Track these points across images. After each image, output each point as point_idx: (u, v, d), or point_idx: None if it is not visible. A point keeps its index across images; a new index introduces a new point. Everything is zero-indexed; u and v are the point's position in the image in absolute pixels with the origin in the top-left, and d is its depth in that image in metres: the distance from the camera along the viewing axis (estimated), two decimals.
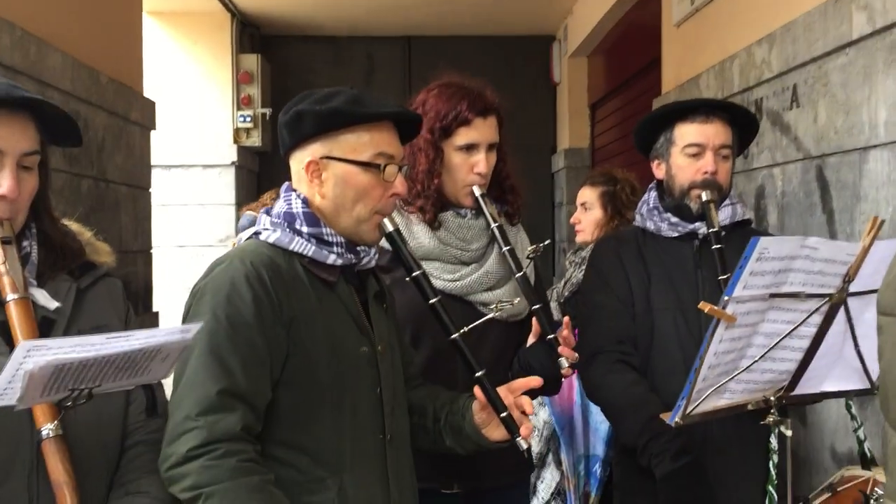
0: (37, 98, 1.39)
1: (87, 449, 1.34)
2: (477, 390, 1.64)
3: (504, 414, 1.62)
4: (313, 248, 1.57)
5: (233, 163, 6.36)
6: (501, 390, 1.65)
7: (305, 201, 1.59)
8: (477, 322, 1.74)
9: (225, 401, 1.42)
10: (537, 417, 3.11)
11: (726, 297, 1.39)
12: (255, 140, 6.46)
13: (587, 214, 3.20)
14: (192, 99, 6.25)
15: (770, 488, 1.84)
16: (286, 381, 1.52)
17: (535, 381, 1.70)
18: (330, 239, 1.59)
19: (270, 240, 1.57)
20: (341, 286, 1.61)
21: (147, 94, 4.28)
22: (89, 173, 3.54)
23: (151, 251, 4.44)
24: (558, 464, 3.09)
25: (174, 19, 6.20)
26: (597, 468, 3.02)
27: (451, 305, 1.86)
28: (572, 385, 3.06)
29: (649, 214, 2.22)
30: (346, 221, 1.60)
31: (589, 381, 2.17)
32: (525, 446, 1.63)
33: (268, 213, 1.62)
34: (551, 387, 2.09)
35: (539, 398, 3.12)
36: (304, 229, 1.57)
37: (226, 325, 1.46)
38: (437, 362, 1.95)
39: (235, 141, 6.40)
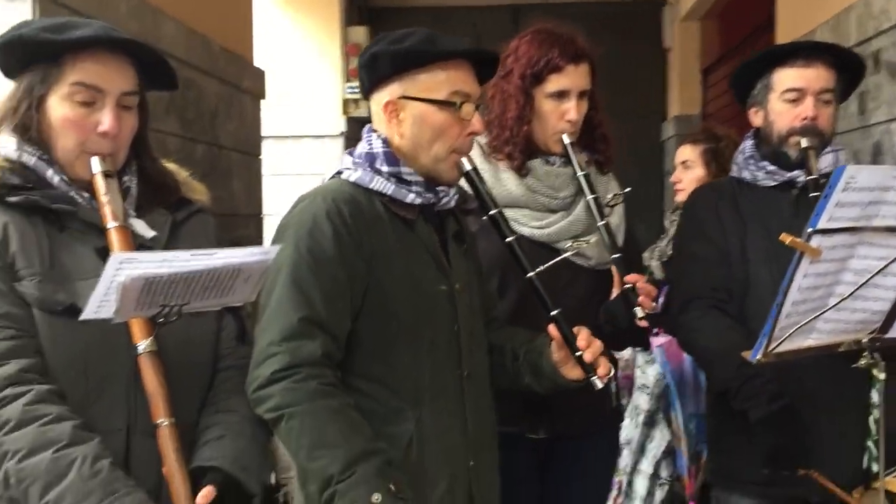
0: (134, 40, 1.48)
1: (179, 367, 1.42)
2: (552, 328, 1.65)
3: (579, 353, 1.62)
4: (393, 186, 1.61)
5: (342, 133, 6.51)
6: (580, 330, 1.65)
7: (385, 141, 1.63)
8: (552, 261, 1.74)
9: (306, 328, 1.49)
10: (646, 375, 3.08)
11: (810, 230, 1.34)
12: (363, 111, 6.57)
13: (688, 173, 3.12)
14: (303, 71, 6.42)
15: (870, 443, 1.77)
16: (366, 314, 1.57)
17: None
18: (409, 178, 1.62)
19: (352, 179, 1.62)
20: (420, 225, 1.64)
21: (258, 65, 4.44)
22: (203, 139, 3.71)
23: (262, 216, 4.61)
24: (668, 423, 3.05)
25: None
26: None
27: (538, 253, 1.88)
28: None
29: (745, 163, 2.15)
30: (424, 160, 1.63)
31: (682, 327, 2.13)
32: (600, 385, 1.63)
33: (350, 153, 1.67)
34: (634, 338, 2.06)
35: (650, 355, 3.09)
36: (384, 168, 1.61)
37: (307, 258, 1.52)
38: (523, 308, 1.96)
39: (344, 112, 6.55)
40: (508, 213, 1.97)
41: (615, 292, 2.01)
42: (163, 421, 1.34)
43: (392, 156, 1.62)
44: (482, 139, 2.05)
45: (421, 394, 1.59)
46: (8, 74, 1.49)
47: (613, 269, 1.99)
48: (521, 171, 2.01)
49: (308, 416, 1.44)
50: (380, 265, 1.57)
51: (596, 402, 2.05)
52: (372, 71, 1.63)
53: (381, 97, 1.64)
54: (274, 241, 1.59)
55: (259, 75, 4.39)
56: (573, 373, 1.66)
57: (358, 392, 1.55)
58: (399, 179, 1.62)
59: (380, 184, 1.61)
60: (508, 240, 1.70)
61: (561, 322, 1.64)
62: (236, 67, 4.03)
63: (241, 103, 4.18)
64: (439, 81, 1.60)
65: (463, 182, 1.72)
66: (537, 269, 1.68)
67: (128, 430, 1.40)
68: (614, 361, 2.19)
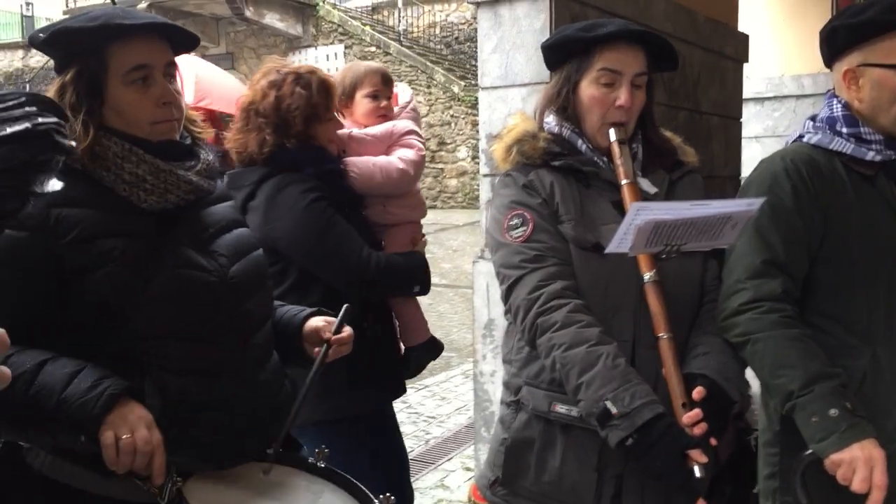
0: (646, 31, 1.83)
1: (675, 296, 1.75)
2: None
3: None
4: (852, 146, 1.76)
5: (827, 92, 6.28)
6: None
7: (846, 105, 1.78)
8: None
9: (767, 269, 1.72)
10: None
11: None
12: None
13: None
14: (790, 30, 6.32)
15: None
16: (823, 259, 1.75)
17: None
18: (868, 137, 1.75)
19: (812, 141, 1.81)
20: (880, 180, 1.76)
21: (742, 29, 4.56)
22: (685, 105, 4.01)
23: (741, 178, 4.75)
24: None
25: None
26: None
27: None
28: None
29: None
30: (884, 121, 1.74)
31: None
32: None
33: (812, 118, 1.85)
34: None
35: None
36: (844, 130, 1.77)
37: (768, 210, 1.74)
38: None
39: None
40: None
41: None
42: (663, 335, 1.69)
43: (852, 118, 1.77)
44: None
45: (875, 332, 1.72)
46: (550, 67, 1.95)
47: None
48: None
49: (770, 341, 1.67)
50: (836, 217, 1.73)
51: None
52: (832, 43, 1.79)
53: (840, 66, 1.79)
54: (740, 196, 1.83)
55: (743, 40, 4.52)
56: None
57: (815, 327, 1.73)
58: (858, 139, 1.76)
59: (839, 144, 1.77)
60: None
61: None
62: (720, 35, 4.23)
63: (723, 69, 4.37)
64: None
65: None
66: None
67: (633, 342, 1.77)
68: None
